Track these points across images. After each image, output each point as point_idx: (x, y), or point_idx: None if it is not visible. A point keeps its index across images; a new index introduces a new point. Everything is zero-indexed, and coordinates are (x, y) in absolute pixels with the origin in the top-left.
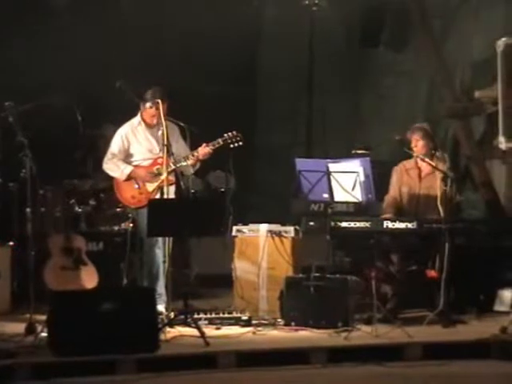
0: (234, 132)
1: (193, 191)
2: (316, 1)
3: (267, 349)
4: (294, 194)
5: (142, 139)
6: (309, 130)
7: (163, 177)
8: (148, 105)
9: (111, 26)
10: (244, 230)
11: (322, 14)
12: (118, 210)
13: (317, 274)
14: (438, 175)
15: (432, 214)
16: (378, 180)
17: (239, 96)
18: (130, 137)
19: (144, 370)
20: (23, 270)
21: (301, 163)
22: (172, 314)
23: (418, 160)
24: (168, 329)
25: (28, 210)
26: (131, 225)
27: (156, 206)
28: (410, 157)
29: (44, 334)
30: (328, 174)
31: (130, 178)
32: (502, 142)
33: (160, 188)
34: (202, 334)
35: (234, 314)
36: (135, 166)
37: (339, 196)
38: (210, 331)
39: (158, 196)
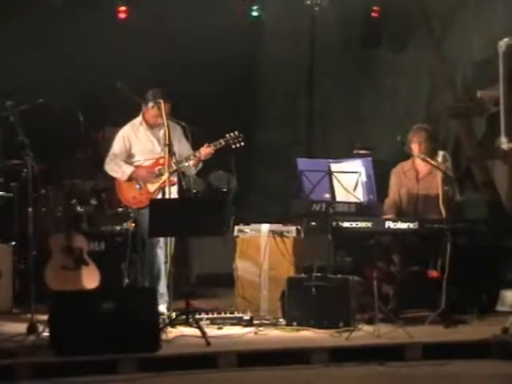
0: (236, 132)
1: (195, 191)
2: (318, 1)
3: (268, 349)
4: (295, 193)
5: (143, 140)
6: (309, 130)
7: (165, 177)
8: (150, 105)
9: (111, 27)
10: (246, 230)
11: (322, 14)
12: (120, 209)
13: (318, 274)
14: (437, 175)
15: (431, 215)
16: (379, 180)
17: (239, 96)
18: (131, 137)
19: (145, 370)
20: (24, 269)
21: (302, 163)
22: (174, 314)
23: (416, 161)
24: (170, 329)
25: (29, 209)
26: (133, 225)
27: (158, 206)
28: (410, 157)
29: (46, 334)
30: (330, 174)
31: (131, 178)
32: (504, 143)
33: (161, 188)
34: (204, 334)
35: (236, 314)
36: (136, 167)
37: (341, 196)
38: (212, 331)
39: (159, 196)
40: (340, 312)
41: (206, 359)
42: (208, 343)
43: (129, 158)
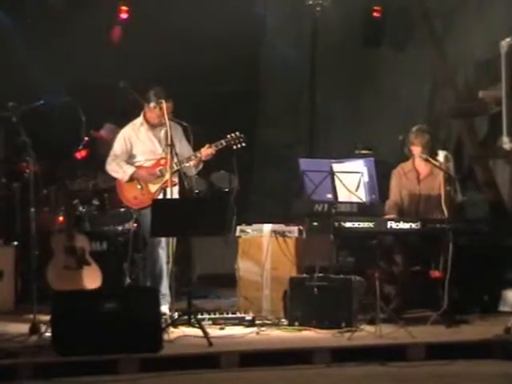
0: (237, 133)
1: (197, 191)
2: (320, 1)
3: (271, 349)
4: (297, 194)
5: (144, 140)
6: (310, 130)
7: (166, 178)
8: (152, 105)
9: (111, 27)
10: (248, 230)
11: (324, 14)
12: (122, 209)
13: (320, 274)
14: (438, 176)
15: (433, 215)
16: (381, 180)
17: (240, 95)
18: (132, 138)
19: (147, 370)
20: (27, 269)
21: (304, 163)
22: (176, 314)
23: (416, 162)
24: (172, 329)
25: (32, 209)
26: (135, 225)
27: (159, 206)
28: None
29: (48, 334)
30: (332, 174)
31: (132, 178)
32: (506, 142)
33: (163, 189)
34: (206, 334)
35: (238, 314)
36: (138, 167)
37: (343, 196)
38: (214, 331)
39: (160, 197)
40: (342, 312)
41: (208, 359)
42: (210, 343)
43: (130, 158)
